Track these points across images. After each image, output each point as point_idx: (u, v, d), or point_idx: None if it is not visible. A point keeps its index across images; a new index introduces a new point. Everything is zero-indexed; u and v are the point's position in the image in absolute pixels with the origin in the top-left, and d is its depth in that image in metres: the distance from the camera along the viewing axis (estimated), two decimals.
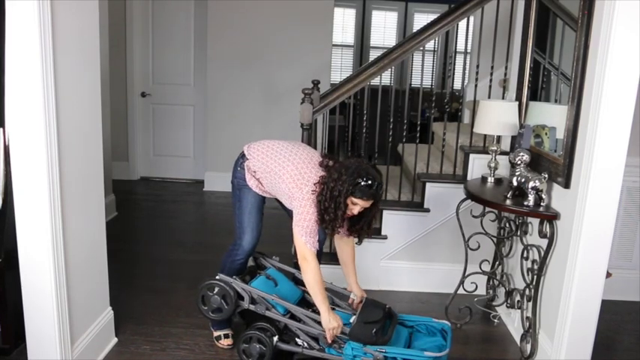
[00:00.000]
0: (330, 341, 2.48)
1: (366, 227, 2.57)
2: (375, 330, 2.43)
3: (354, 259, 2.75)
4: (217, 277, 2.63)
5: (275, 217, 3.07)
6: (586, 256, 2.44)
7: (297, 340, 2.57)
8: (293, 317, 2.59)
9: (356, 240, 2.68)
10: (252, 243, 2.69)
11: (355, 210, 2.44)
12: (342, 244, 2.71)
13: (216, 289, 2.62)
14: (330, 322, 2.46)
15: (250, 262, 2.86)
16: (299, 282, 2.78)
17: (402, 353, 2.40)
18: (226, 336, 2.83)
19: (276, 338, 2.54)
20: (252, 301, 2.58)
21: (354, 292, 2.74)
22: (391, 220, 3.50)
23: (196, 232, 4.60)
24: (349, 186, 2.37)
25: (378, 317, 2.51)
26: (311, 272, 2.46)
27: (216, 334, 2.85)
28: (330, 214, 2.40)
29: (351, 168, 2.40)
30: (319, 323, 2.49)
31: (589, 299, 2.50)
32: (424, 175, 3.53)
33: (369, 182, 2.38)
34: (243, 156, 2.69)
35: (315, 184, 2.44)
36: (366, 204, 2.43)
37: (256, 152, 2.63)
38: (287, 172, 2.50)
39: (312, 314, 2.54)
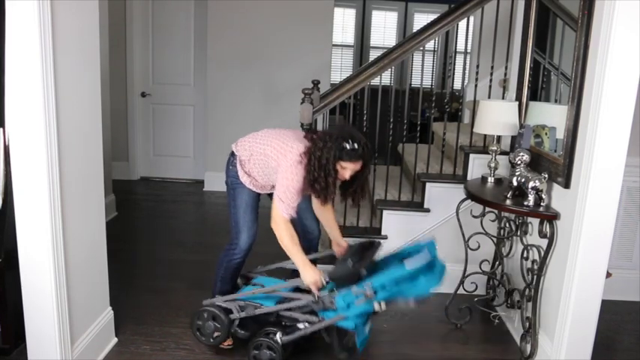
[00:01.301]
0: (317, 294, 2.47)
1: (359, 190, 2.59)
2: (350, 262, 2.44)
3: (335, 220, 2.87)
4: (203, 304, 2.67)
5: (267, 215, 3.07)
6: (586, 256, 2.44)
7: (298, 325, 2.56)
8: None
9: (351, 203, 2.69)
10: (248, 242, 2.70)
11: (346, 174, 2.48)
12: (323, 211, 2.81)
13: (205, 315, 2.65)
14: (311, 275, 2.48)
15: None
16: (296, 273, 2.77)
17: (385, 278, 2.36)
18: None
19: (279, 335, 2.53)
20: (241, 308, 2.60)
21: (340, 244, 2.81)
22: (391, 220, 3.50)
23: (196, 232, 4.60)
24: (336, 151, 2.41)
25: (354, 250, 2.53)
26: (283, 233, 2.50)
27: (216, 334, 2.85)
28: (321, 183, 2.43)
29: (334, 134, 2.45)
30: (305, 292, 2.51)
31: (589, 299, 2.50)
32: (424, 175, 3.53)
33: (355, 145, 2.41)
34: (232, 154, 2.73)
35: (301, 155, 2.46)
36: (356, 166, 2.47)
37: (243, 143, 2.70)
38: (272, 147, 2.56)
39: (294, 282, 2.57)
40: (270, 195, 2.71)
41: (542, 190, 2.62)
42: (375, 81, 3.45)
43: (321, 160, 2.42)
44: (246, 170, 2.67)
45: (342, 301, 2.41)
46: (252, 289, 2.71)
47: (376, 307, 2.37)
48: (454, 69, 3.70)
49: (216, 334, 2.65)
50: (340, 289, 2.44)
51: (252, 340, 2.59)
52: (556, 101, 2.99)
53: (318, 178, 2.43)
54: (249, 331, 2.66)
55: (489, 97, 3.47)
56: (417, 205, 3.52)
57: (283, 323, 2.60)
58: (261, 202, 2.77)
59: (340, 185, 2.60)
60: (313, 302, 2.48)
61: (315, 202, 2.76)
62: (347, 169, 2.47)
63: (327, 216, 2.84)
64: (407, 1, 7.80)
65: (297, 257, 2.52)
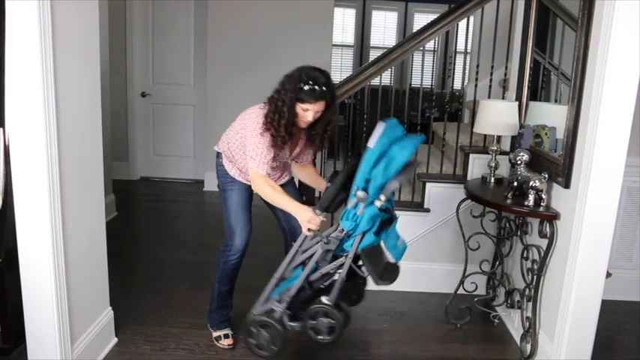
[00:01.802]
0: (311, 234, 2.41)
1: (321, 131, 2.53)
2: (330, 185, 2.41)
3: (317, 173, 2.87)
4: (251, 319, 2.52)
5: (265, 216, 3.06)
6: (586, 256, 2.44)
7: (334, 278, 2.44)
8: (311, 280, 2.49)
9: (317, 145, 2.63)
10: (243, 242, 2.69)
11: (309, 116, 2.43)
12: (303, 169, 2.81)
13: (252, 329, 2.51)
14: (304, 213, 2.42)
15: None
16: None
17: (362, 171, 2.27)
18: (226, 336, 2.83)
19: (325, 298, 2.40)
20: (278, 302, 2.49)
21: None
22: None
23: (196, 232, 4.60)
24: (292, 93, 2.38)
25: (331, 177, 2.50)
26: (263, 187, 2.49)
27: (215, 334, 2.85)
28: (282, 130, 2.41)
29: (293, 76, 2.41)
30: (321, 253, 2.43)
31: (589, 299, 2.50)
32: (424, 175, 3.53)
33: (312, 84, 2.36)
34: (217, 155, 2.75)
35: (263, 107, 2.48)
36: (317, 106, 2.41)
37: (221, 140, 2.73)
38: (238, 122, 2.59)
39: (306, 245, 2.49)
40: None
41: (542, 190, 2.62)
42: (375, 81, 3.45)
43: (278, 102, 2.41)
44: (230, 159, 2.68)
45: (346, 221, 2.32)
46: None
47: (377, 203, 2.27)
48: (454, 69, 3.70)
49: (274, 338, 2.50)
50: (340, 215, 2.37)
51: (305, 316, 2.44)
52: (556, 101, 2.99)
53: (279, 127, 2.40)
54: (301, 318, 2.51)
55: (489, 97, 3.47)
56: (417, 205, 3.52)
57: (322, 286, 2.48)
58: (255, 202, 2.77)
59: (308, 129, 2.55)
60: (326, 244, 2.38)
61: (295, 166, 2.76)
62: (308, 111, 2.41)
63: (308, 172, 2.80)
64: (407, 1, 7.80)
65: (284, 202, 2.49)
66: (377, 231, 2.33)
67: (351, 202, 2.30)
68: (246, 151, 2.53)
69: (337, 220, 2.48)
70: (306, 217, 2.40)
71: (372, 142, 2.25)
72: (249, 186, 2.68)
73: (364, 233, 2.31)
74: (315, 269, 2.44)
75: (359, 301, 2.74)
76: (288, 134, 2.45)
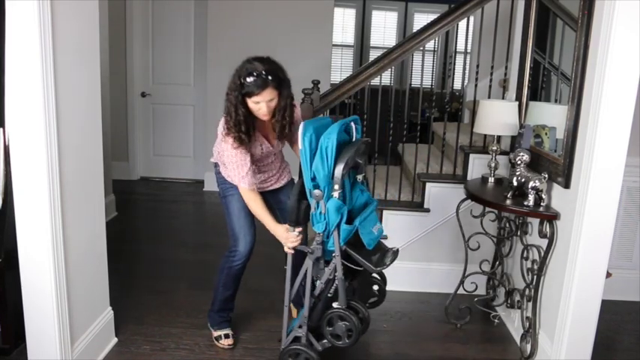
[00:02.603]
0: (291, 249, 2.44)
1: (279, 117, 2.49)
2: (289, 197, 2.47)
3: None
4: (282, 353, 2.54)
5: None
6: (586, 256, 2.44)
7: (336, 282, 2.43)
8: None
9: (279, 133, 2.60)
10: (247, 247, 2.69)
11: (263, 107, 2.41)
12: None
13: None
14: (280, 231, 2.47)
15: None
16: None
17: (305, 167, 2.31)
18: (226, 336, 2.83)
19: (335, 304, 2.44)
20: (299, 328, 2.51)
21: None
22: (391, 220, 3.50)
23: (196, 232, 4.60)
24: (236, 91, 2.38)
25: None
26: (250, 201, 2.56)
27: (215, 334, 2.86)
28: (241, 129, 2.42)
29: (234, 75, 2.41)
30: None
31: (589, 299, 2.50)
32: (424, 175, 3.53)
33: (253, 75, 2.34)
34: (215, 165, 2.76)
35: (225, 124, 2.49)
36: (265, 95, 2.37)
37: (213, 150, 2.74)
38: (217, 135, 2.59)
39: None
40: (262, 194, 2.71)
41: (542, 190, 2.62)
42: (375, 81, 3.45)
43: (229, 105, 2.41)
44: (224, 165, 2.68)
45: (318, 223, 2.34)
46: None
47: (335, 194, 2.28)
48: (454, 69, 3.70)
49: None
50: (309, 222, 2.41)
51: (322, 326, 2.47)
52: (556, 101, 2.99)
53: (237, 124, 2.41)
54: (322, 335, 2.54)
55: (489, 97, 3.47)
56: (417, 205, 3.52)
57: (330, 295, 2.49)
58: None
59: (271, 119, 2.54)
60: (311, 253, 2.40)
61: (296, 152, 2.74)
62: (260, 103, 2.39)
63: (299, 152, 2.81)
64: (407, 1, 7.79)
65: (265, 220, 2.53)
66: (350, 220, 2.35)
67: (312, 204, 2.33)
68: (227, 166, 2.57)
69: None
70: (284, 235, 2.46)
71: (299, 143, 2.29)
72: None
73: (338, 227, 2.32)
74: (316, 282, 2.47)
75: (380, 301, 2.75)
76: (247, 132, 2.45)
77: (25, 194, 2.16)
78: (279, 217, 2.75)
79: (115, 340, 2.81)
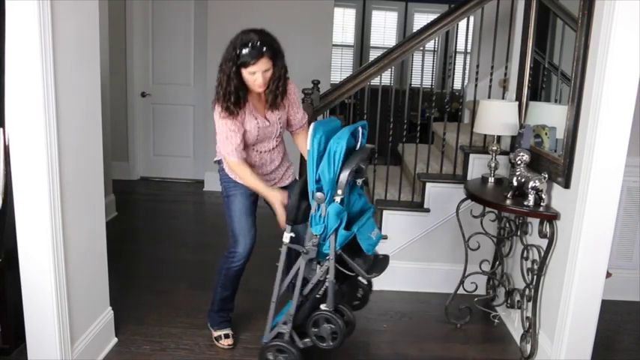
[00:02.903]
0: (284, 222, 2.45)
1: (273, 87, 2.50)
2: (290, 197, 2.47)
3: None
4: (263, 348, 2.55)
5: (265, 215, 3.07)
6: (586, 256, 2.44)
7: (326, 284, 2.45)
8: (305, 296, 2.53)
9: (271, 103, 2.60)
10: (247, 248, 2.68)
11: (259, 78, 2.41)
12: (299, 140, 2.78)
13: (268, 356, 2.54)
14: (275, 195, 2.50)
15: None
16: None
17: (310, 171, 2.31)
18: (226, 336, 2.83)
19: (323, 305, 2.44)
20: (284, 324, 2.52)
21: None
22: (391, 220, 3.50)
23: (196, 232, 4.60)
24: (231, 62, 2.38)
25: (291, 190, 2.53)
26: (239, 173, 2.56)
27: (215, 334, 2.86)
28: (230, 98, 2.42)
29: (228, 48, 2.42)
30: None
31: (589, 299, 2.50)
32: (424, 175, 3.53)
33: (248, 45, 2.35)
34: (218, 162, 2.76)
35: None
36: (261, 65, 2.38)
37: (217, 147, 2.71)
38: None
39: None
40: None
41: (542, 190, 2.62)
42: (375, 81, 3.45)
43: (222, 75, 2.42)
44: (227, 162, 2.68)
45: (316, 225, 2.34)
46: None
47: (337, 199, 2.29)
48: (454, 69, 3.70)
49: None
50: (309, 222, 2.40)
51: (307, 326, 2.48)
52: (556, 101, 2.99)
53: (227, 93, 2.41)
54: (305, 333, 2.55)
55: (489, 97, 3.47)
56: (417, 205, 3.52)
57: (319, 296, 2.50)
58: (260, 203, 2.77)
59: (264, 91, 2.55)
60: (305, 254, 2.41)
61: (294, 139, 2.79)
62: (256, 74, 2.39)
63: (299, 140, 2.80)
64: (407, 1, 7.79)
65: (259, 186, 2.55)
66: (348, 225, 2.35)
67: (313, 206, 2.34)
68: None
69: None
70: (278, 198, 2.49)
71: (307, 144, 2.29)
72: (253, 191, 2.68)
73: (336, 231, 2.33)
74: (306, 282, 2.47)
75: (363, 304, 2.75)
76: (237, 103, 2.45)
77: (25, 194, 2.16)
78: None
79: (115, 340, 2.81)
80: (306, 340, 2.52)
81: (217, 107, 2.49)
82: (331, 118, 2.49)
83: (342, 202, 2.31)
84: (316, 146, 2.27)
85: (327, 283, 2.41)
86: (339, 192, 2.28)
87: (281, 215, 2.53)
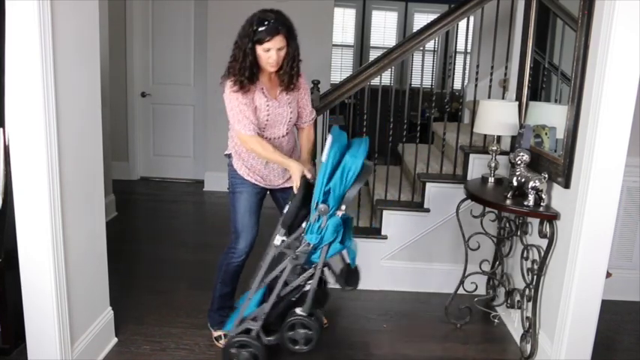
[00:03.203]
0: (295, 253, 2.44)
1: (288, 68, 2.54)
2: (290, 203, 2.47)
3: (308, 139, 2.78)
4: (230, 341, 2.58)
5: (269, 215, 3.07)
6: (586, 256, 2.44)
7: (305, 289, 2.50)
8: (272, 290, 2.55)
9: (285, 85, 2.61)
10: (247, 245, 2.70)
11: (272, 55, 2.44)
12: (303, 135, 2.80)
13: (233, 351, 2.56)
14: (296, 166, 2.49)
15: None
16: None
17: (320, 184, 2.33)
18: (226, 336, 2.83)
19: (299, 309, 2.49)
20: (254, 320, 2.55)
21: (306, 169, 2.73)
22: (391, 220, 3.50)
23: (196, 232, 4.60)
24: (247, 38, 2.42)
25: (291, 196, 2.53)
26: (254, 147, 2.53)
27: (216, 334, 2.86)
28: (245, 73, 2.44)
29: (245, 25, 2.46)
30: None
31: (589, 299, 2.50)
32: (424, 175, 3.53)
33: (264, 23, 2.39)
34: (228, 156, 2.76)
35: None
36: (276, 42, 2.42)
37: (228, 140, 2.74)
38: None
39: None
40: (273, 192, 2.73)
41: (542, 190, 2.62)
42: (375, 81, 3.45)
43: (238, 51, 2.45)
44: (239, 155, 2.68)
45: (312, 234, 2.38)
46: (242, 302, 2.68)
47: (339, 214, 2.34)
48: (454, 69, 3.70)
49: (255, 356, 2.56)
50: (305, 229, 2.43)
51: (282, 328, 2.52)
52: (556, 101, 2.99)
53: (241, 65, 2.44)
54: (277, 332, 2.59)
55: (489, 97, 3.47)
56: (417, 205, 3.52)
57: (294, 299, 2.55)
58: (265, 203, 2.77)
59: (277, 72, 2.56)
60: (294, 259, 2.44)
61: (299, 136, 2.80)
62: (270, 50, 2.42)
63: (301, 135, 2.80)
64: (407, 1, 7.79)
65: (278, 158, 2.54)
66: (342, 239, 2.40)
67: (314, 215, 2.36)
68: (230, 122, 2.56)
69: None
70: (299, 169, 2.48)
71: (324, 156, 2.32)
72: (260, 189, 2.70)
73: (330, 244, 2.38)
74: (285, 284, 2.50)
75: (324, 302, 2.80)
76: (251, 76, 2.46)
77: (25, 194, 2.16)
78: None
79: (115, 340, 2.81)
80: (271, 338, 2.56)
81: (228, 82, 2.50)
82: (337, 129, 2.49)
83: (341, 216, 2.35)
84: (332, 159, 2.30)
85: (306, 288, 2.46)
86: (343, 207, 2.33)
87: (296, 183, 2.51)
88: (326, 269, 2.49)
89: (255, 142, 2.53)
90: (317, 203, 2.34)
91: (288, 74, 2.54)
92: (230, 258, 2.72)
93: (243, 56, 2.43)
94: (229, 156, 2.75)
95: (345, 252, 2.48)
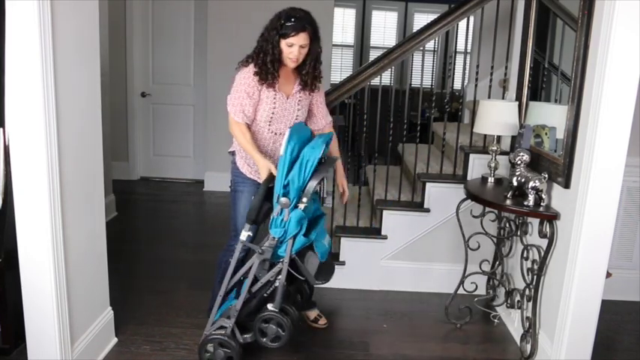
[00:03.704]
0: (260, 248, 2.46)
1: (310, 69, 2.60)
2: (253, 198, 2.52)
3: (334, 146, 2.81)
4: (204, 340, 2.59)
5: None
6: (586, 256, 2.44)
7: (275, 285, 2.50)
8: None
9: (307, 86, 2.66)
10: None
11: (295, 51, 2.50)
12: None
13: (208, 347, 2.57)
14: (264, 163, 2.51)
15: None
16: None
17: (279, 176, 2.38)
18: None
19: (270, 305, 2.48)
20: (227, 317, 2.56)
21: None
22: (391, 220, 3.50)
23: (196, 232, 4.60)
24: (274, 31, 2.48)
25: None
26: (236, 134, 2.60)
27: None
28: (268, 65, 2.49)
29: (273, 19, 2.53)
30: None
31: (589, 299, 2.50)
32: (424, 175, 3.53)
33: (292, 19, 2.46)
34: (232, 154, 2.79)
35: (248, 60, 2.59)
36: (300, 39, 2.48)
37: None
38: None
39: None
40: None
41: (542, 190, 2.62)
42: (375, 81, 3.45)
43: (265, 43, 2.51)
44: (241, 154, 2.71)
45: (275, 228, 2.40)
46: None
47: (301, 206, 2.36)
48: (454, 69, 3.70)
49: (229, 354, 2.56)
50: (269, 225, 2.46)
51: (254, 325, 2.52)
52: (556, 101, 2.99)
53: (265, 58, 2.50)
54: (251, 329, 2.61)
55: (489, 97, 3.47)
56: (417, 205, 3.52)
57: (265, 295, 2.56)
58: None
59: (299, 72, 2.63)
60: (261, 254, 2.46)
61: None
62: (294, 46, 2.49)
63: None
64: (407, 1, 7.79)
65: (250, 150, 2.57)
66: (306, 232, 2.41)
67: (276, 209, 2.38)
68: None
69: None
70: (266, 166, 2.50)
71: (282, 150, 2.35)
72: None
73: (294, 237, 2.39)
74: (255, 280, 2.52)
75: (306, 307, 2.87)
76: (274, 70, 2.52)
77: (25, 194, 2.16)
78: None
79: (115, 340, 2.81)
80: (247, 335, 2.57)
81: (248, 67, 2.55)
82: (301, 124, 2.58)
83: (304, 209, 2.36)
84: (289, 153, 2.34)
85: (276, 284, 2.47)
86: (304, 200, 2.35)
87: (263, 178, 2.54)
88: (302, 268, 2.50)
89: (239, 129, 2.59)
90: (278, 197, 2.37)
91: (312, 75, 2.62)
92: (229, 255, 2.72)
93: (271, 48, 2.50)
94: (233, 153, 2.76)
95: (314, 246, 2.49)
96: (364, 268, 3.49)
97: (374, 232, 3.54)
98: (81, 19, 2.36)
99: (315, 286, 2.68)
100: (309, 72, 2.60)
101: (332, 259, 2.70)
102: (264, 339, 2.51)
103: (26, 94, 2.06)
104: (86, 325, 2.54)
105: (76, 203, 2.39)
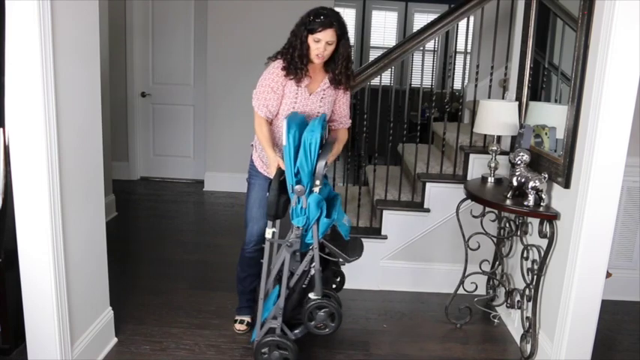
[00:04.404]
0: (289, 241, 2.48)
1: (343, 69, 2.63)
2: (267, 194, 2.52)
3: (339, 145, 2.82)
4: (257, 346, 2.58)
5: None
6: (586, 256, 2.44)
7: (311, 273, 2.51)
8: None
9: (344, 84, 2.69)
10: (253, 234, 2.77)
11: (321, 47, 2.52)
12: (336, 136, 2.85)
13: (262, 351, 2.55)
14: (277, 158, 2.53)
15: None
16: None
17: (288, 166, 2.40)
18: (241, 322, 2.95)
19: (312, 294, 2.50)
20: (274, 318, 2.56)
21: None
22: (391, 220, 3.50)
23: (196, 233, 4.60)
24: (302, 26, 2.53)
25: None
26: (256, 128, 2.65)
27: (235, 317, 2.98)
28: (296, 60, 2.54)
29: (302, 16, 2.56)
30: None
31: (589, 299, 2.50)
32: (424, 175, 3.53)
33: (320, 16, 2.50)
34: (253, 145, 2.83)
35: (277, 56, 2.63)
36: (327, 35, 2.50)
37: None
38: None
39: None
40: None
41: (542, 190, 2.62)
42: (375, 81, 3.45)
43: (294, 39, 2.56)
44: (256, 146, 2.77)
45: (297, 218, 2.42)
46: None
47: (316, 189, 2.38)
48: (454, 69, 3.70)
49: (285, 354, 2.55)
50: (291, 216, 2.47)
51: (302, 319, 2.52)
52: (556, 101, 2.99)
53: (293, 58, 2.54)
54: (300, 324, 2.61)
55: (489, 97, 3.47)
56: (417, 205, 3.52)
57: (305, 285, 2.56)
58: None
59: (328, 69, 2.65)
60: (289, 247, 2.47)
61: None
62: (320, 42, 2.51)
63: (333, 135, 2.85)
64: (407, 1, 7.80)
65: (265, 146, 2.61)
66: (327, 213, 2.44)
67: (293, 199, 2.41)
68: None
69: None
70: (275, 163, 2.53)
71: (283, 140, 2.38)
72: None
73: (318, 221, 2.41)
74: (291, 274, 2.53)
75: (342, 285, 2.89)
76: (303, 65, 2.55)
77: (25, 194, 2.16)
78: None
79: (115, 340, 2.81)
80: (297, 331, 2.58)
81: (276, 62, 2.59)
82: (294, 112, 2.60)
83: (320, 191, 2.39)
84: (292, 140, 2.36)
85: (312, 272, 2.48)
86: (317, 182, 2.38)
87: (272, 172, 2.56)
88: (333, 249, 2.51)
89: (258, 122, 2.63)
90: (292, 186, 2.39)
91: (345, 74, 2.65)
92: (243, 245, 2.82)
93: (300, 43, 2.53)
94: (253, 147, 2.83)
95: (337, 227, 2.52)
96: (364, 268, 3.49)
97: (374, 232, 3.54)
98: (81, 19, 2.36)
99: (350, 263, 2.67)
100: (342, 71, 2.63)
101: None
102: (327, 330, 2.50)
103: (26, 94, 2.06)
104: (86, 325, 2.54)
105: (76, 203, 2.39)
